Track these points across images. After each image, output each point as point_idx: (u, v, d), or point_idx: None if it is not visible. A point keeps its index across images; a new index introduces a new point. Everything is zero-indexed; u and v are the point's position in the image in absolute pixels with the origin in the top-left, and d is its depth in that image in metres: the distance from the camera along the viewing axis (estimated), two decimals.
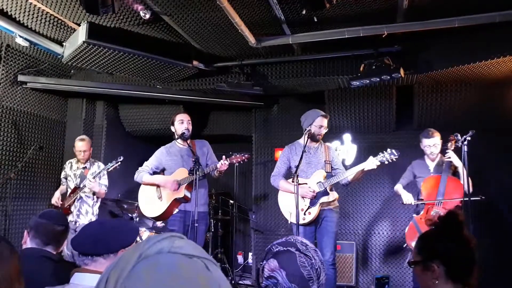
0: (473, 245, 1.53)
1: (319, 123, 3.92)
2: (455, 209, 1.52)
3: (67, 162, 4.84)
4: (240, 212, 6.32)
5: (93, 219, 4.52)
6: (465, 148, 3.59)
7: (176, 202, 3.90)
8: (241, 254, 6.65)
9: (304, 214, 3.74)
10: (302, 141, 3.92)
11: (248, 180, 6.46)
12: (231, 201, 6.01)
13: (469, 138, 3.60)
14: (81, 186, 4.44)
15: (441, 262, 1.50)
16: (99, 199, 4.69)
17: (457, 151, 3.92)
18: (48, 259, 1.95)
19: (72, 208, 4.50)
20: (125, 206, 5.22)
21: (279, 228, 5.33)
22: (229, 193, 6.34)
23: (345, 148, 5.48)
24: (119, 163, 4.33)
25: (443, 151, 4.03)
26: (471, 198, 3.64)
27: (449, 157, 3.90)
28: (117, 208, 5.43)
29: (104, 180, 4.63)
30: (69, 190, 4.60)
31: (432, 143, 4.06)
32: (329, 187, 3.83)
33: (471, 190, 3.84)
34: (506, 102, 4.73)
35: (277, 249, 1.39)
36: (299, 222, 3.87)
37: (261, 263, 1.41)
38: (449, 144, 3.92)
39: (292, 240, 1.42)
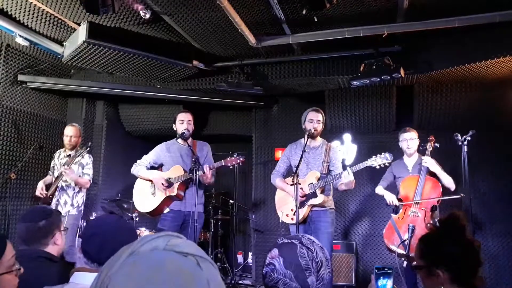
0: (476, 248, 1.52)
1: (309, 117, 3.90)
2: (457, 212, 1.51)
3: (56, 152, 4.75)
4: (240, 212, 6.32)
5: (72, 210, 4.38)
6: (465, 148, 3.59)
7: (169, 199, 3.91)
8: (241, 254, 6.65)
9: (294, 214, 3.73)
10: (304, 140, 3.91)
11: (248, 180, 6.46)
12: (231, 201, 6.01)
13: (469, 138, 3.60)
14: (58, 175, 4.34)
15: (446, 268, 1.48)
16: (82, 190, 4.51)
17: (435, 152, 3.95)
18: (45, 260, 1.94)
19: (53, 198, 4.37)
20: (125, 206, 5.23)
21: (279, 228, 5.33)
22: (229, 193, 6.33)
23: (345, 148, 5.48)
24: (88, 149, 4.35)
25: (422, 151, 4.03)
26: (451, 197, 3.71)
27: (425, 162, 3.89)
28: (117, 207, 5.43)
29: (88, 170, 4.51)
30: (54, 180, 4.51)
31: (408, 137, 4.08)
32: (319, 190, 3.76)
33: (453, 187, 3.89)
34: (506, 102, 4.73)
35: (282, 241, 1.45)
36: (289, 222, 3.88)
37: (267, 255, 1.48)
38: (428, 144, 3.93)
39: (300, 235, 1.47)
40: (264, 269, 1.41)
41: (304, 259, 1.37)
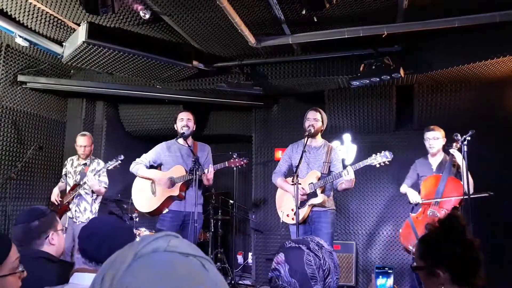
0: (476, 247, 1.52)
1: (307, 116, 3.94)
2: (455, 211, 1.51)
3: (68, 159, 4.79)
4: (240, 212, 6.32)
5: (92, 217, 4.45)
6: (465, 148, 3.58)
7: (169, 199, 3.89)
8: (241, 254, 6.65)
9: (294, 214, 3.73)
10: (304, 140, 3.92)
11: (248, 180, 6.46)
12: (231, 201, 6.01)
13: (469, 138, 3.59)
14: (81, 183, 4.41)
15: (446, 268, 1.48)
16: (99, 197, 4.62)
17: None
18: (45, 260, 1.94)
19: (71, 205, 4.45)
20: (125, 206, 5.22)
21: (279, 228, 5.33)
22: (229, 193, 6.33)
23: (345, 148, 5.48)
24: (120, 162, 4.31)
25: (446, 151, 3.97)
26: (478, 195, 3.61)
27: (453, 155, 3.81)
28: (117, 207, 5.43)
29: (104, 178, 4.57)
30: (69, 187, 4.56)
31: (431, 136, 4.01)
32: (320, 189, 3.76)
33: (471, 190, 3.80)
34: (506, 102, 4.73)
35: (289, 245, 1.41)
36: (289, 222, 3.88)
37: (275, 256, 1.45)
38: (454, 144, 3.83)
39: (308, 239, 1.43)
40: (269, 273, 1.39)
41: (311, 267, 1.33)
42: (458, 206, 3.75)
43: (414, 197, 3.94)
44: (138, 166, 4.02)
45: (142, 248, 0.58)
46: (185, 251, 0.58)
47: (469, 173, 3.81)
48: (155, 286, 0.53)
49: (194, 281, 0.55)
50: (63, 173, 4.76)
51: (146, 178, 4.01)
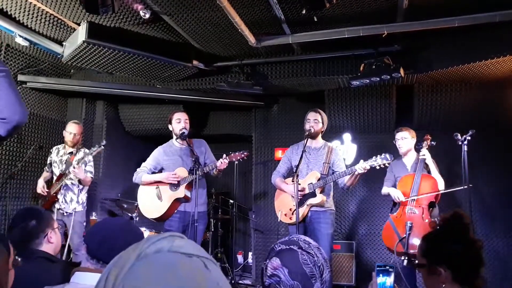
0: (478, 247, 1.52)
1: (307, 117, 3.95)
2: (460, 210, 1.51)
3: (54, 148, 4.72)
4: (240, 212, 6.32)
5: (78, 207, 4.43)
6: (465, 148, 3.58)
7: (177, 202, 3.87)
8: (241, 254, 6.66)
9: (292, 214, 3.72)
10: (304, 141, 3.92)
11: (248, 180, 6.46)
12: (231, 201, 6.01)
13: (469, 138, 3.60)
14: (67, 172, 4.34)
15: (448, 267, 1.48)
16: (85, 188, 4.56)
17: (431, 150, 3.94)
18: (45, 260, 1.94)
19: (59, 195, 4.40)
20: (125, 206, 5.22)
21: (279, 228, 5.33)
22: (229, 193, 6.34)
23: (345, 148, 5.48)
24: (102, 147, 4.30)
25: (417, 150, 4.01)
26: (455, 189, 3.70)
27: (423, 155, 3.88)
28: (117, 207, 5.43)
29: (90, 167, 4.53)
30: (55, 177, 4.50)
31: (399, 137, 4.07)
32: (319, 189, 3.76)
33: (442, 187, 3.83)
34: (506, 102, 4.74)
35: (279, 248, 1.40)
36: (286, 221, 3.87)
37: (264, 262, 1.42)
38: (424, 143, 3.92)
39: (295, 238, 1.43)
40: (267, 280, 1.36)
41: (308, 266, 1.34)
42: (434, 201, 3.78)
43: (397, 193, 3.91)
44: (141, 174, 3.99)
45: (146, 248, 0.58)
46: (188, 251, 0.58)
47: (437, 172, 3.87)
48: (155, 287, 0.53)
49: (195, 281, 0.55)
50: (48, 161, 4.69)
51: (151, 183, 3.96)
